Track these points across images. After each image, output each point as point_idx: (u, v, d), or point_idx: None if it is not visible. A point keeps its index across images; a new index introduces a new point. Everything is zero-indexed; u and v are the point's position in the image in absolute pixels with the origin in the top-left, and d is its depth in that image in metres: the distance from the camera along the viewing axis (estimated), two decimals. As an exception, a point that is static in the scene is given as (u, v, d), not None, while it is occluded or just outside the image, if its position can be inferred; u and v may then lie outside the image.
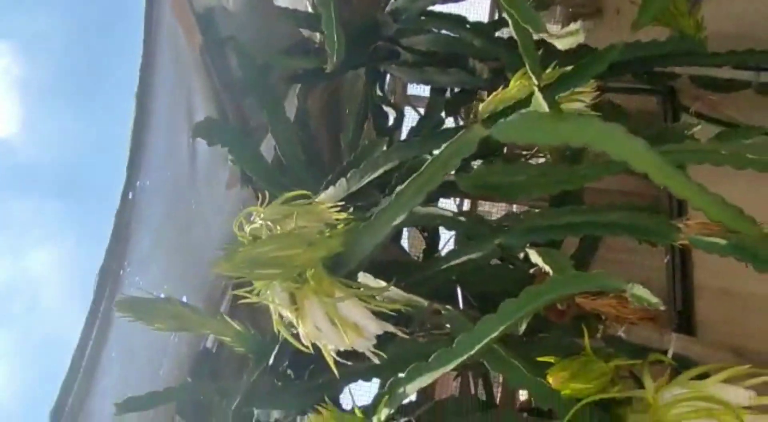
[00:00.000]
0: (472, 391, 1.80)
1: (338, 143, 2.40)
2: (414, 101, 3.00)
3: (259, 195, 1.33)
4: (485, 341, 0.95)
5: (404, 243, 2.49)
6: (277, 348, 1.47)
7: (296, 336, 1.25)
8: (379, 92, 2.26)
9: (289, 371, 1.53)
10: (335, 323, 1.13)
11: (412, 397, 1.55)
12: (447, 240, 2.09)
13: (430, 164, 1.10)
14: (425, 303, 1.21)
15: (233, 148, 1.83)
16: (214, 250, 1.79)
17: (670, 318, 2.11)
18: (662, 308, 0.90)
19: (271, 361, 1.44)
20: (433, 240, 2.02)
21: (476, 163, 1.68)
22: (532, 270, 1.44)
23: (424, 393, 1.65)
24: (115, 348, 1.40)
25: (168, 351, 1.65)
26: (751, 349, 1.68)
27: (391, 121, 2.37)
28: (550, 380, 1.04)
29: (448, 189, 1.53)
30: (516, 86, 1.41)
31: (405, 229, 2.37)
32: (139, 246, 1.47)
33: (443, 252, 1.58)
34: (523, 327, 1.40)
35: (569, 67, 1.29)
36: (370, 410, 1.22)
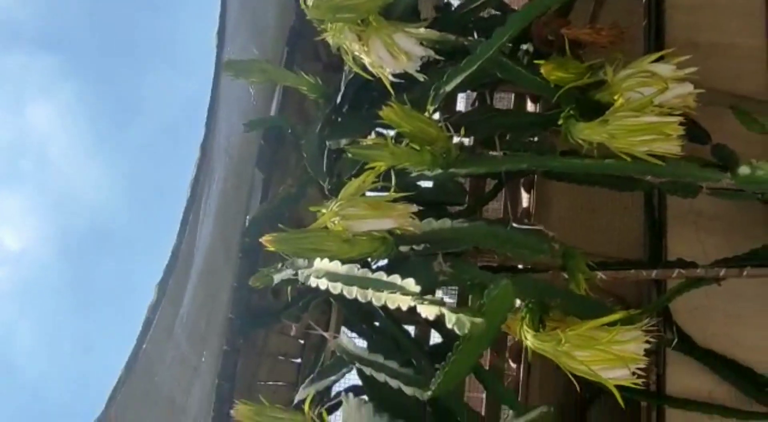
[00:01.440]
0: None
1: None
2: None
3: None
4: (500, 42, 1.43)
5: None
6: (341, 92, 1.96)
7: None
8: None
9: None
10: (392, 52, 1.61)
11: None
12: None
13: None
14: (453, 38, 1.69)
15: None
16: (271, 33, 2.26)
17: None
18: None
19: (338, 100, 1.94)
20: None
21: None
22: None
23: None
24: (222, 107, 1.91)
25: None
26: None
27: None
28: (542, 70, 1.54)
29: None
30: None
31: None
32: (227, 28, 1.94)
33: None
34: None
35: None
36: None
